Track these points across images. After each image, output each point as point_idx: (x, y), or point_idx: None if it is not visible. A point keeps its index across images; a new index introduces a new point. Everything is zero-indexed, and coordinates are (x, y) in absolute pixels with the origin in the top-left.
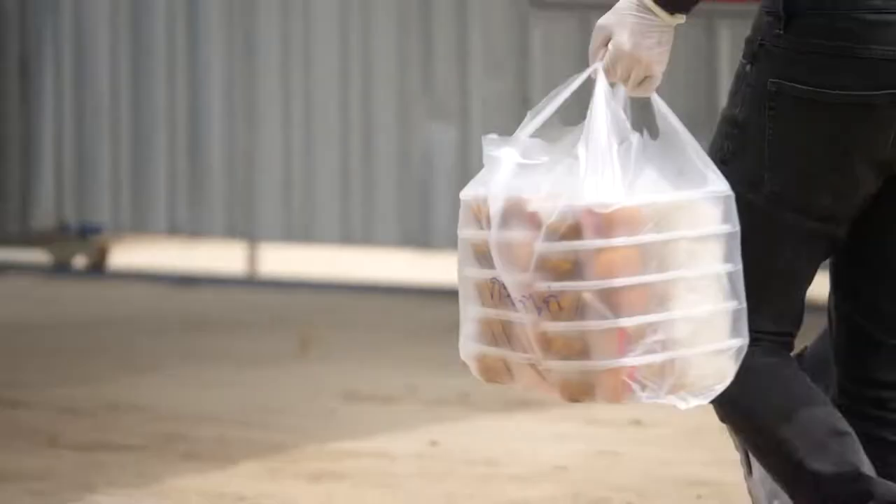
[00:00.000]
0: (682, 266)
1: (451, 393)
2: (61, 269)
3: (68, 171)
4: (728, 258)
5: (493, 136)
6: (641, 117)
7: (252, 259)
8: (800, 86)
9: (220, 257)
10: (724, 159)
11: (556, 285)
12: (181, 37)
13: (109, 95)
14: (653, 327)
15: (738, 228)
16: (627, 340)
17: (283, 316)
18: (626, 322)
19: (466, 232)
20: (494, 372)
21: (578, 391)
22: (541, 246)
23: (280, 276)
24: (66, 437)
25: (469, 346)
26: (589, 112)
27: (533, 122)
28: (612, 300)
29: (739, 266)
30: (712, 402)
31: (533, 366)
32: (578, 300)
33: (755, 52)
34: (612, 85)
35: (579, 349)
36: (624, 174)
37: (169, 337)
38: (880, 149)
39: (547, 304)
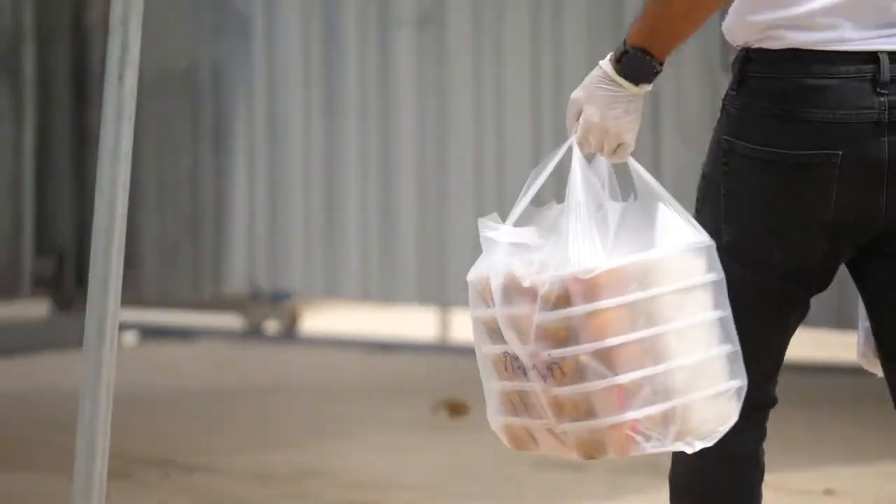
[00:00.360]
0: (672, 318)
1: (640, 461)
2: (253, 333)
3: (260, 236)
4: (717, 305)
5: (489, 217)
6: (625, 179)
7: (444, 325)
8: (748, 144)
9: (412, 323)
10: (697, 208)
11: (556, 352)
12: (373, 105)
13: (301, 162)
14: (650, 380)
15: (723, 276)
16: (626, 395)
17: (474, 381)
18: (623, 378)
19: (477, 312)
20: (521, 440)
21: (592, 449)
22: (537, 317)
23: (472, 342)
24: (258, 503)
25: (495, 418)
26: (568, 185)
27: (522, 200)
28: (607, 359)
29: (728, 311)
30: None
31: (550, 430)
32: (577, 363)
33: (721, 110)
34: (589, 156)
35: (585, 409)
36: (604, 239)
37: (360, 402)
38: (823, 209)
39: (551, 371)
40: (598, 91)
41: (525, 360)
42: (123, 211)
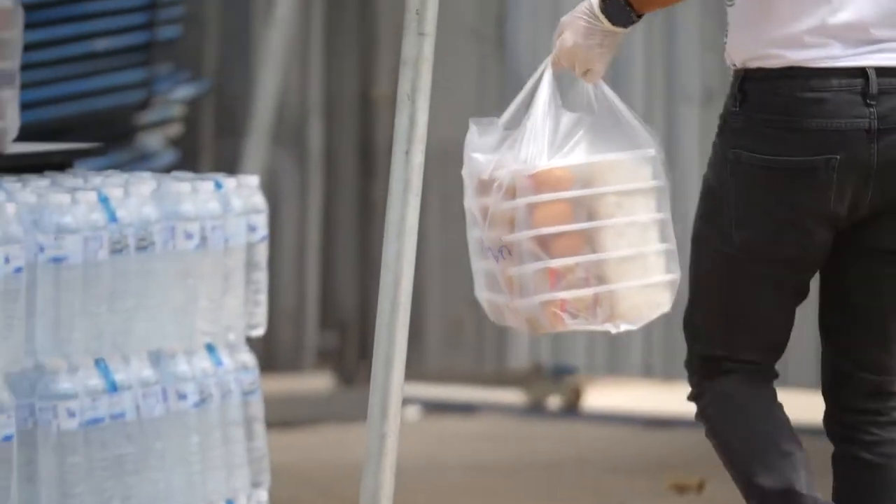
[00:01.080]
0: (611, 216)
1: None
2: (536, 409)
3: None
4: (658, 209)
5: (486, 120)
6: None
7: None
8: (755, 154)
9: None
10: (703, 216)
11: (506, 237)
12: None
13: None
14: (582, 267)
15: (666, 183)
16: (557, 278)
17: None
18: (555, 263)
19: (465, 201)
20: (497, 315)
21: (534, 325)
22: (493, 206)
23: None
24: None
25: (479, 293)
26: (535, 96)
27: (507, 111)
28: (545, 245)
29: (668, 216)
30: (701, 420)
31: (508, 306)
32: (521, 247)
33: (721, 126)
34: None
35: (526, 288)
36: (553, 142)
37: (641, 478)
38: (824, 205)
39: (501, 253)
40: (579, 21)
41: (487, 242)
42: (408, 285)
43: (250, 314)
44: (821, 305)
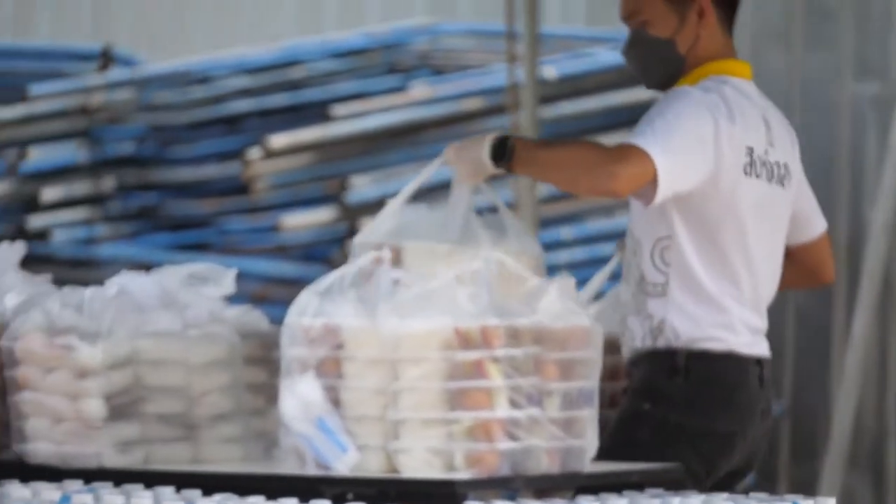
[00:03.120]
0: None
1: None
2: None
3: None
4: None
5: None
6: None
7: None
8: (690, 423)
9: None
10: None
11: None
12: None
13: None
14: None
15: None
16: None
17: None
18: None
19: None
20: None
21: None
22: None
23: None
24: None
25: None
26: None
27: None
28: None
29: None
30: None
31: None
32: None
33: (649, 392)
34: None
35: None
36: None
37: None
38: (730, 461)
39: None
40: (473, 151)
41: None
42: None
43: None
44: None
